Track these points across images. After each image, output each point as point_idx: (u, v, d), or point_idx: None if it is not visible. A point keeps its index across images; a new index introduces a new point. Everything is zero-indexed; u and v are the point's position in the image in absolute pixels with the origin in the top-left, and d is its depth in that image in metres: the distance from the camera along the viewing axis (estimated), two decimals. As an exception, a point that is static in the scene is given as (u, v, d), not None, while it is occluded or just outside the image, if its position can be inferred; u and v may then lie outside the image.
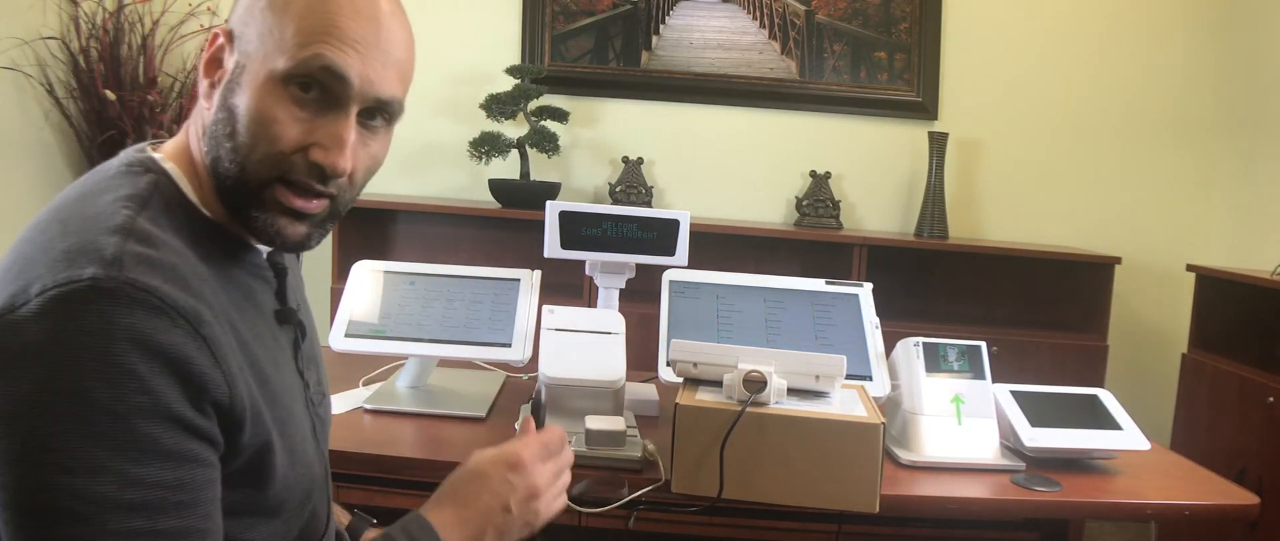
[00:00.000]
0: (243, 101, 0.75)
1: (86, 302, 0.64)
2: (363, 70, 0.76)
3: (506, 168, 2.94)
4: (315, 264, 2.62)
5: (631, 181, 2.91)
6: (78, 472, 0.63)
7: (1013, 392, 1.42)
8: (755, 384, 1.16)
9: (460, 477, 0.91)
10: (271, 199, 0.77)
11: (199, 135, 0.79)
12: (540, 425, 1.00)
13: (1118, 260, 2.71)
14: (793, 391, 1.22)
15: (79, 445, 0.63)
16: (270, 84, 0.75)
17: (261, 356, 0.78)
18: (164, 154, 0.80)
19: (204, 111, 0.79)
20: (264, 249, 0.85)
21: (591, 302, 2.18)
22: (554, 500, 0.95)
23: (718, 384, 1.22)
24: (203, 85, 0.79)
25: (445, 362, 1.70)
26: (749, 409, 1.15)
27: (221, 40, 0.78)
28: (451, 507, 0.88)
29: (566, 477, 0.98)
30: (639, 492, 1.21)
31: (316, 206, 0.79)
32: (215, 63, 0.78)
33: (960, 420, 1.37)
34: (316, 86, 0.75)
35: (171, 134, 0.85)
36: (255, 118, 0.75)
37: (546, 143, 2.80)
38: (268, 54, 0.75)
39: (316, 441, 0.89)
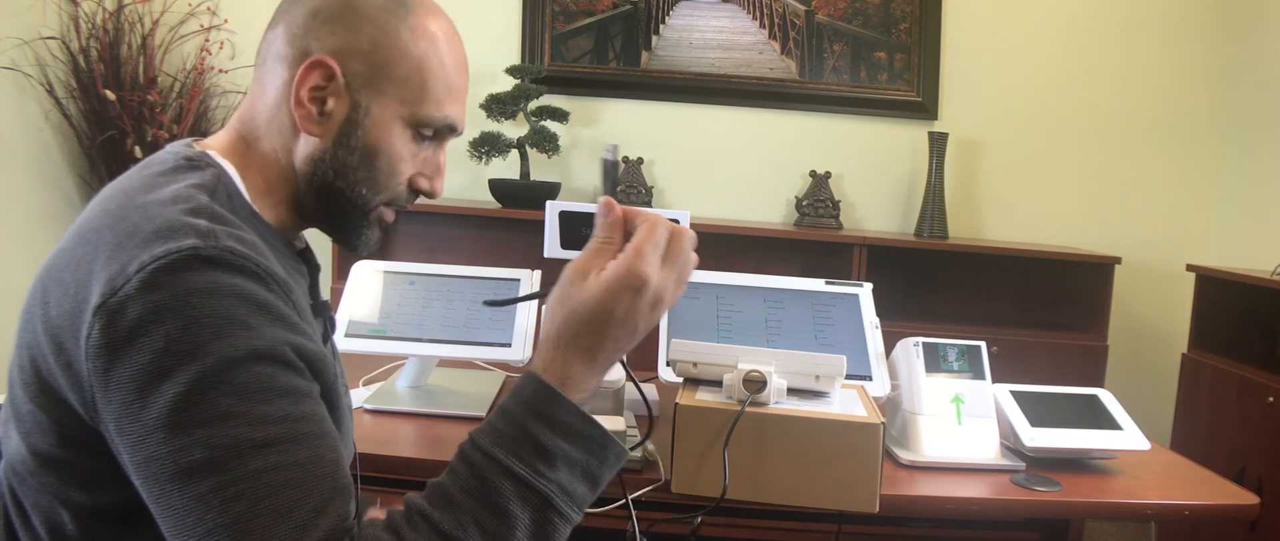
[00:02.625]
0: (373, 142, 0.84)
1: (190, 268, 0.67)
2: (462, 115, 0.90)
3: (506, 168, 2.93)
4: (315, 264, 2.62)
5: (631, 181, 2.91)
6: (209, 423, 0.65)
7: (1013, 392, 1.42)
8: (755, 384, 1.16)
9: (581, 318, 0.75)
10: (376, 218, 0.88)
11: (284, 148, 0.85)
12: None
13: (1118, 260, 2.70)
14: (792, 391, 1.22)
15: (203, 398, 0.65)
16: (398, 128, 0.85)
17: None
18: (216, 151, 0.84)
19: (302, 136, 0.83)
20: (299, 244, 0.92)
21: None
22: (676, 293, 0.80)
23: (718, 384, 1.22)
24: (308, 109, 0.82)
25: (445, 362, 1.70)
26: (749, 409, 1.15)
27: (328, 72, 0.81)
28: (580, 361, 0.75)
29: (684, 261, 0.80)
30: (639, 492, 1.21)
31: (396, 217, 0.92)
32: (318, 91, 0.82)
33: (960, 420, 1.37)
34: (435, 133, 0.88)
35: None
36: (386, 157, 0.85)
37: (546, 143, 2.80)
38: (397, 101, 0.84)
39: (345, 430, 0.92)
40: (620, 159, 2.95)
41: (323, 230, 0.89)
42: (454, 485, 0.70)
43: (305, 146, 0.83)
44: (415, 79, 0.84)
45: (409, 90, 0.83)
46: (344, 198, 0.85)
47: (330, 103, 0.82)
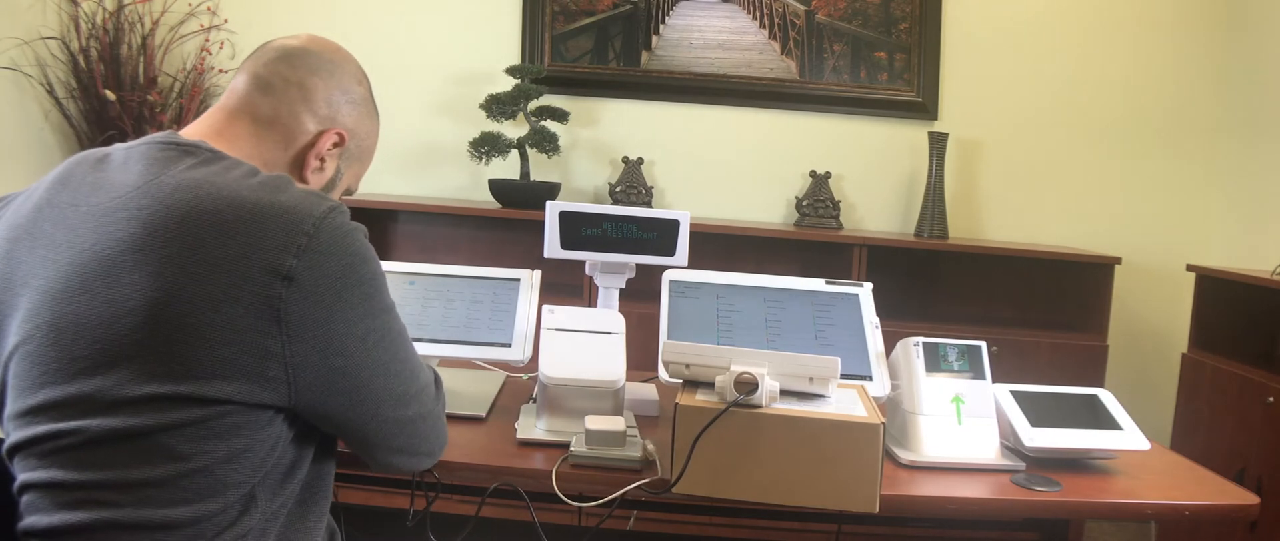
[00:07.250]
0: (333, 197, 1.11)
1: (348, 217, 0.93)
2: None
3: (506, 168, 2.94)
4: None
5: (631, 181, 2.91)
6: (398, 318, 1.01)
7: (1013, 392, 1.42)
8: (746, 385, 1.16)
9: None
10: None
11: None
12: None
13: (1118, 260, 2.71)
14: (786, 393, 1.22)
15: (392, 302, 0.98)
16: (341, 191, 1.13)
17: None
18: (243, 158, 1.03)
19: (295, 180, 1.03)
20: None
21: (591, 302, 2.18)
22: None
23: (711, 385, 1.22)
24: (311, 161, 1.05)
25: (445, 362, 1.70)
26: (748, 409, 1.15)
27: (341, 143, 1.07)
28: None
29: None
30: (635, 487, 1.20)
31: None
32: (321, 150, 1.05)
33: (960, 420, 1.37)
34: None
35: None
36: None
37: (546, 143, 2.80)
38: (354, 176, 1.14)
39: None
40: None
41: None
42: None
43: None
44: (365, 163, 1.15)
45: (362, 169, 1.15)
46: None
47: (326, 161, 1.06)
